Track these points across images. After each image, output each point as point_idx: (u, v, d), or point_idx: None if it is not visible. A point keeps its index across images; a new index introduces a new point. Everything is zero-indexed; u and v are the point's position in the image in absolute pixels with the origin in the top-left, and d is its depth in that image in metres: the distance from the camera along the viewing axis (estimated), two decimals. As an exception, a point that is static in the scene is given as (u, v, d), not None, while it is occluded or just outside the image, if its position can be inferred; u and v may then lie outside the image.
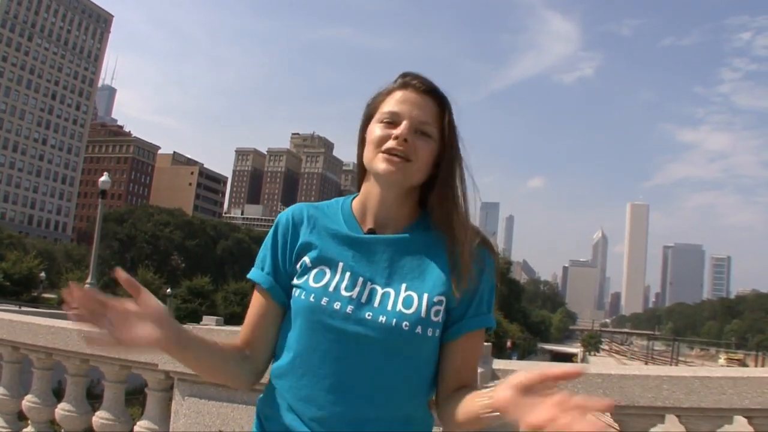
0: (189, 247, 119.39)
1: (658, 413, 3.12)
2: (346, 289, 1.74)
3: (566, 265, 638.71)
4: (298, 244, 1.83)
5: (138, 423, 4.01)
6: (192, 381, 3.45)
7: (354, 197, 1.91)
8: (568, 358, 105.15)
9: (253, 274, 1.87)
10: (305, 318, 1.74)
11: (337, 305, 1.71)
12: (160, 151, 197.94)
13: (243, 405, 3.16)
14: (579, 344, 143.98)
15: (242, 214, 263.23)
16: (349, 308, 1.71)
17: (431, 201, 1.81)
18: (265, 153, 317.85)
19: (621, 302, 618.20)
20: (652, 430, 3.23)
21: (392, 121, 1.76)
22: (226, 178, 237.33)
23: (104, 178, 33.42)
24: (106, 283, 72.82)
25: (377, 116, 1.80)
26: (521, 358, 74.09)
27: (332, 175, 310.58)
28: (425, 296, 1.72)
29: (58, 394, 4.56)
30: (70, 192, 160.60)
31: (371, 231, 1.83)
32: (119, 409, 4.19)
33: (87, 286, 33.77)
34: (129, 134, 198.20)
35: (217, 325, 3.69)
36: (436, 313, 1.71)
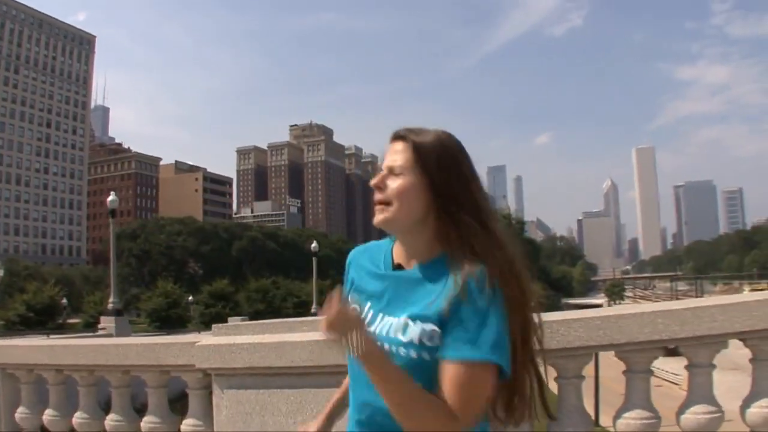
0: (204, 252, 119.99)
1: (656, 346, 3.38)
2: (369, 323, 1.95)
3: (580, 218, 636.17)
4: (348, 285, 2.11)
5: (184, 422, 4.26)
6: (229, 375, 3.71)
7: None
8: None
9: None
10: None
11: None
12: (161, 162, 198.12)
13: (278, 390, 3.41)
14: (603, 294, 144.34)
15: (252, 212, 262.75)
16: None
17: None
18: (266, 149, 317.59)
19: (639, 247, 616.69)
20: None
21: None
22: (231, 179, 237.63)
23: (111, 197, 33.86)
24: (128, 300, 73.47)
25: None
26: (547, 316, 74.08)
27: (335, 160, 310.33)
28: (418, 323, 1.87)
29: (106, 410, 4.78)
30: (79, 216, 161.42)
31: (399, 266, 2.03)
32: (164, 411, 4.43)
33: (110, 305, 34.34)
34: (129, 150, 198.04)
35: (242, 322, 3.97)
36: (430, 338, 1.84)
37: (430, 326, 1.85)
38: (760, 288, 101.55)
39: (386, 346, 1.87)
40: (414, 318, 1.88)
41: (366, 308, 1.99)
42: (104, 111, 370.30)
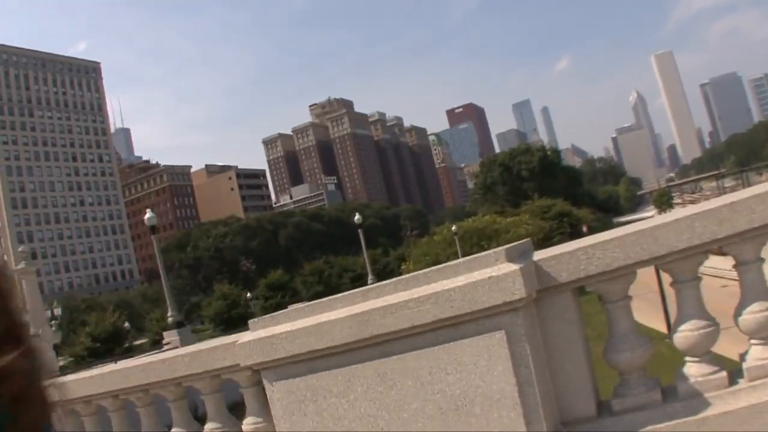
0: (253, 247, 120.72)
1: (699, 251, 3.24)
2: None
3: (614, 136, 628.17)
4: None
5: (244, 422, 4.29)
6: (274, 367, 3.66)
7: None
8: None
9: None
10: None
11: None
12: (192, 169, 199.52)
13: (325, 371, 3.36)
14: (652, 206, 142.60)
15: (291, 198, 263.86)
16: None
17: None
18: (291, 133, 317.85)
19: (678, 153, 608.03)
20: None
21: None
22: (264, 170, 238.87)
23: (148, 215, 34.08)
24: (189, 309, 74.31)
25: None
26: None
27: (362, 130, 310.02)
28: None
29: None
30: (123, 240, 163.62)
31: None
32: (224, 415, 4.47)
33: (169, 319, 34.67)
34: (158, 165, 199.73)
35: (276, 312, 3.92)
36: None
37: None
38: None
39: None
40: None
41: None
42: (125, 132, 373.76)
